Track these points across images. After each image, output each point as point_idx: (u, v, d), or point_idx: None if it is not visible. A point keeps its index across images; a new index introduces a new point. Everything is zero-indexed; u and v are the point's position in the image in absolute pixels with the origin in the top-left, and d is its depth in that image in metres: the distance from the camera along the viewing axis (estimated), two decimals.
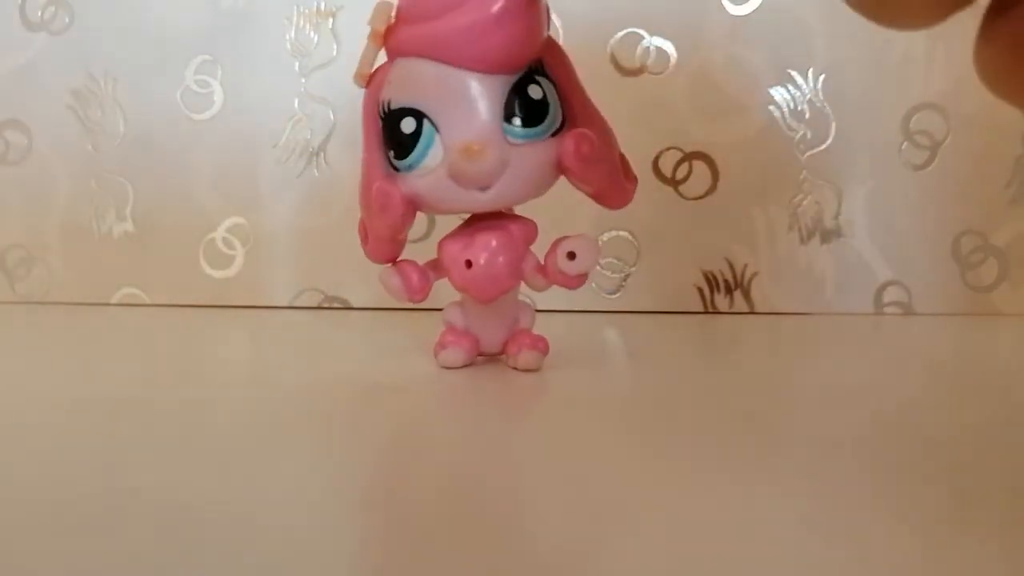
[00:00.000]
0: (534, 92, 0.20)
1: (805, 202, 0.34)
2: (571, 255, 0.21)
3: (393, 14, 0.20)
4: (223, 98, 0.35)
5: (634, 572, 0.12)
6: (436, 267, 0.23)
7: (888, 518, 0.14)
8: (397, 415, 0.20)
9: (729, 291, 0.35)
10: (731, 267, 0.35)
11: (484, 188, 0.20)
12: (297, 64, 0.35)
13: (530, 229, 0.22)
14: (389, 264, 0.23)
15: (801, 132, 0.34)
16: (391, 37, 0.20)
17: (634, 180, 0.23)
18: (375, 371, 0.25)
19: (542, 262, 0.22)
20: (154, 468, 0.16)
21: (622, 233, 0.34)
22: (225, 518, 0.13)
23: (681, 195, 0.34)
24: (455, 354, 0.23)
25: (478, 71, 0.19)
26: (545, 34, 0.20)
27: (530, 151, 0.20)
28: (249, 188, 0.35)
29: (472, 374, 0.23)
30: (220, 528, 0.13)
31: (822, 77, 0.34)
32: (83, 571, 0.12)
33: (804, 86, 0.34)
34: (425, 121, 0.20)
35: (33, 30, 0.35)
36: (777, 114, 0.34)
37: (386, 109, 0.21)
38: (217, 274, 0.35)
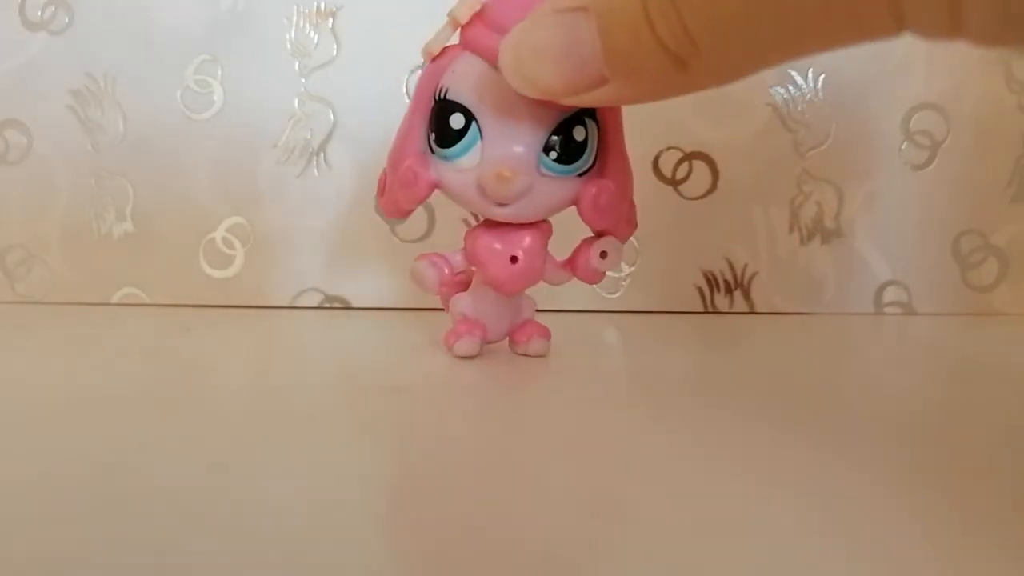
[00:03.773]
0: (578, 134, 0.21)
1: (805, 202, 0.34)
2: (603, 254, 0.23)
3: (478, 7, 0.21)
4: (223, 98, 0.35)
5: (634, 566, 0.12)
6: (466, 257, 0.23)
7: (888, 517, 0.14)
8: (401, 414, 0.20)
9: (729, 291, 0.35)
10: (731, 267, 0.35)
11: (502, 205, 0.22)
12: (297, 64, 0.35)
13: (549, 229, 0.23)
14: (424, 257, 0.24)
15: (801, 132, 0.34)
16: (469, 29, 0.21)
17: (634, 226, 0.24)
18: (377, 370, 0.25)
19: (558, 259, 0.24)
20: (154, 468, 0.16)
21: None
22: (226, 518, 0.13)
23: (681, 195, 0.34)
24: (470, 344, 0.24)
25: (535, 100, 0.20)
26: None
27: (555, 184, 0.22)
28: (249, 188, 0.35)
29: (474, 372, 0.23)
30: (221, 528, 0.13)
31: (822, 77, 0.34)
32: (83, 569, 0.12)
33: (804, 86, 0.34)
34: (474, 123, 0.21)
35: (33, 30, 0.35)
36: (777, 114, 0.34)
37: (442, 96, 0.22)
38: (217, 274, 0.35)
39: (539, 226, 0.23)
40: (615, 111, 0.22)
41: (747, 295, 0.35)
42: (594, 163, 0.22)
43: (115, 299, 0.36)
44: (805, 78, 0.34)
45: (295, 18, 0.35)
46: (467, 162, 0.21)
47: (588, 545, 0.13)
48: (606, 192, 0.22)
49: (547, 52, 0.16)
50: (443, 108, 0.21)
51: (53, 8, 0.35)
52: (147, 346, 0.29)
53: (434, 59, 0.22)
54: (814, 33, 0.13)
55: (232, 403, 0.21)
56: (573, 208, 0.23)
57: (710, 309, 0.35)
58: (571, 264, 0.24)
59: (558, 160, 0.21)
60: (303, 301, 0.35)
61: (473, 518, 0.14)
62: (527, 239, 0.23)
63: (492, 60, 0.20)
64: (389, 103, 0.34)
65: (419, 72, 0.35)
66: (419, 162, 0.22)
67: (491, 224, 0.23)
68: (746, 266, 0.35)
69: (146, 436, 0.18)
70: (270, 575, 0.12)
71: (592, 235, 0.24)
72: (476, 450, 0.18)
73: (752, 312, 0.35)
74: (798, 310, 0.34)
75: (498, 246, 0.23)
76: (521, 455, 0.17)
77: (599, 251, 0.23)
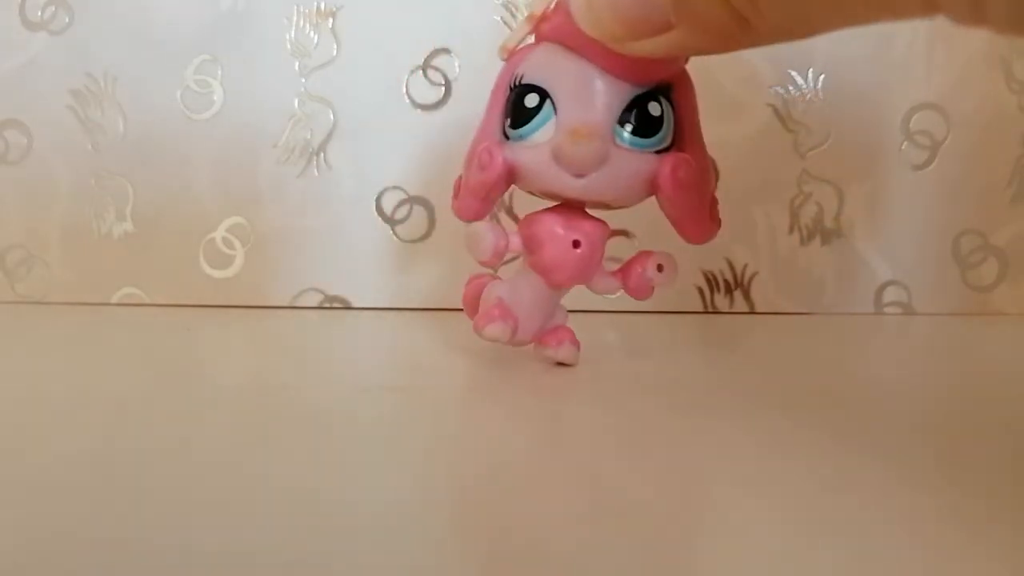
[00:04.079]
0: (653, 109, 0.21)
1: (805, 202, 0.34)
2: (660, 267, 0.23)
3: (552, 3, 0.21)
4: (223, 98, 0.35)
5: (635, 566, 0.12)
6: (523, 239, 0.23)
7: (889, 517, 0.14)
8: (402, 414, 0.20)
9: (729, 291, 0.35)
10: (731, 267, 0.35)
11: (578, 175, 0.21)
12: (297, 64, 0.35)
13: (608, 229, 0.23)
14: (485, 222, 0.23)
15: (801, 132, 0.34)
16: (545, 22, 0.21)
17: (718, 223, 0.23)
18: (377, 371, 0.25)
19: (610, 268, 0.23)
20: (154, 468, 0.16)
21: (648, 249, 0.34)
22: (225, 518, 0.13)
23: None
24: (502, 328, 0.23)
25: (610, 73, 0.20)
26: (680, 63, 0.22)
27: (631, 157, 0.21)
28: (249, 188, 0.35)
29: (474, 372, 0.23)
30: (220, 528, 0.13)
31: (822, 77, 0.34)
32: (82, 570, 0.12)
33: (804, 86, 0.34)
34: (548, 100, 0.21)
35: (33, 30, 0.35)
36: (777, 114, 0.34)
37: (517, 82, 0.22)
38: (217, 274, 0.35)
39: (599, 222, 0.23)
40: (690, 94, 0.22)
41: (747, 295, 0.35)
42: (671, 145, 0.22)
43: (115, 299, 0.36)
44: (805, 78, 0.34)
45: (295, 18, 0.35)
46: (541, 137, 0.21)
47: (590, 544, 0.13)
48: (684, 164, 0.21)
49: None
50: (519, 92, 0.22)
51: (53, 8, 0.35)
52: (147, 346, 0.29)
53: (511, 56, 0.22)
54: (858, 9, 0.14)
55: (232, 403, 0.21)
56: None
57: (710, 309, 0.35)
58: (623, 274, 0.23)
59: (634, 132, 0.21)
60: (303, 301, 0.35)
61: (475, 517, 0.14)
62: (587, 226, 0.22)
63: (569, 41, 0.20)
64: (389, 103, 0.34)
65: (419, 72, 0.35)
66: (494, 144, 0.22)
67: (552, 210, 0.23)
68: (746, 266, 0.35)
69: (146, 436, 0.18)
70: (265, 574, 0.12)
71: (648, 250, 0.23)
72: (477, 449, 0.18)
73: (752, 312, 0.35)
74: (798, 310, 0.34)
75: (560, 230, 0.22)
76: (521, 454, 0.17)
77: (656, 263, 0.23)
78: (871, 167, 0.34)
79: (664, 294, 0.35)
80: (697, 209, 0.22)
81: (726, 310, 0.35)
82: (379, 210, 0.35)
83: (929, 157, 0.34)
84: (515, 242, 0.23)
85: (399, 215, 0.35)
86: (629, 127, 0.21)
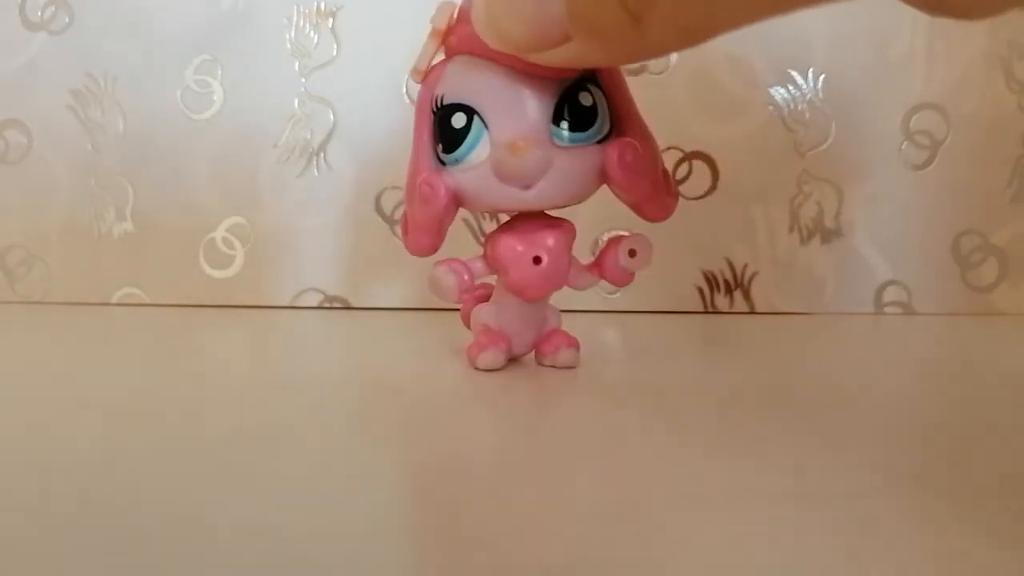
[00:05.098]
0: (584, 99, 0.21)
1: (805, 202, 0.34)
2: (632, 252, 0.22)
3: (455, 14, 0.21)
4: (223, 98, 0.35)
5: (638, 568, 0.12)
6: (487, 263, 0.23)
7: (888, 518, 0.14)
8: (403, 414, 0.20)
9: (729, 291, 0.35)
10: (731, 267, 0.35)
11: (526, 187, 0.21)
12: (297, 64, 0.35)
13: (573, 229, 0.22)
14: (442, 263, 0.22)
15: (801, 132, 0.34)
16: (451, 36, 0.21)
17: (675, 196, 0.23)
18: (377, 370, 0.25)
19: (582, 262, 0.23)
20: (154, 468, 0.16)
21: (621, 233, 0.34)
22: (226, 519, 0.13)
23: (681, 195, 0.34)
24: (494, 356, 0.23)
25: (530, 73, 0.20)
26: None
27: (575, 155, 0.21)
28: (249, 188, 0.35)
29: (473, 374, 0.23)
30: (220, 529, 0.13)
31: (822, 77, 0.34)
32: (81, 570, 0.12)
33: (804, 86, 0.34)
34: (475, 117, 0.20)
35: (33, 30, 0.35)
36: (777, 114, 0.34)
37: (439, 104, 0.21)
38: (217, 274, 0.35)
39: (563, 226, 0.22)
40: (617, 77, 0.22)
41: (747, 295, 0.35)
42: (610, 132, 0.21)
43: (115, 299, 0.36)
44: (805, 78, 0.34)
45: (295, 18, 0.35)
46: (478, 156, 0.21)
47: (588, 544, 0.13)
48: (629, 148, 0.21)
49: (517, 6, 0.17)
50: (443, 114, 0.21)
51: (53, 8, 0.35)
52: (147, 346, 0.29)
53: (424, 77, 0.22)
54: None
55: (232, 404, 0.21)
56: (590, 208, 0.22)
57: (710, 309, 0.35)
58: (598, 266, 0.23)
59: (571, 128, 0.20)
60: (303, 301, 0.35)
61: (474, 516, 0.14)
62: (550, 239, 0.22)
63: (480, 50, 0.20)
64: (389, 103, 0.34)
65: None
66: (433, 175, 0.21)
67: (512, 226, 0.22)
68: (746, 266, 0.35)
69: (146, 436, 0.18)
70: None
71: (619, 235, 0.23)
72: (475, 449, 0.18)
73: (752, 312, 0.35)
74: (798, 310, 0.34)
75: (520, 248, 0.22)
76: (520, 454, 0.17)
77: (627, 249, 0.22)
78: (871, 167, 0.34)
79: (664, 294, 0.35)
80: (651, 189, 0.22)
81: (726, 310, 0.35)
82: (379, 210, 0.35)
83: (929, 157, 0.34)
84: (478, 267, 0.23)
85: (399, 215, 0.35)
86: (566, 124, 0.20)
